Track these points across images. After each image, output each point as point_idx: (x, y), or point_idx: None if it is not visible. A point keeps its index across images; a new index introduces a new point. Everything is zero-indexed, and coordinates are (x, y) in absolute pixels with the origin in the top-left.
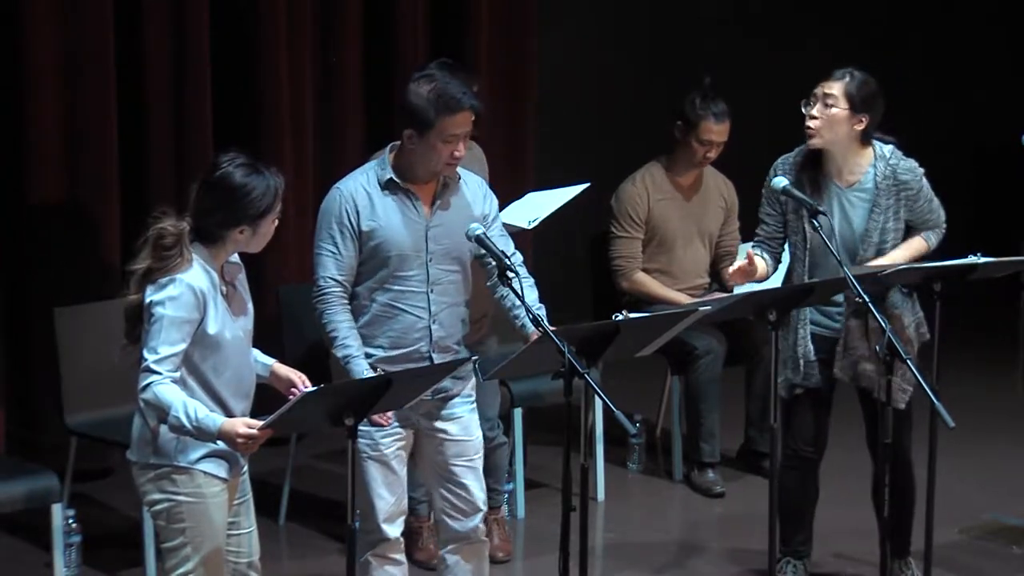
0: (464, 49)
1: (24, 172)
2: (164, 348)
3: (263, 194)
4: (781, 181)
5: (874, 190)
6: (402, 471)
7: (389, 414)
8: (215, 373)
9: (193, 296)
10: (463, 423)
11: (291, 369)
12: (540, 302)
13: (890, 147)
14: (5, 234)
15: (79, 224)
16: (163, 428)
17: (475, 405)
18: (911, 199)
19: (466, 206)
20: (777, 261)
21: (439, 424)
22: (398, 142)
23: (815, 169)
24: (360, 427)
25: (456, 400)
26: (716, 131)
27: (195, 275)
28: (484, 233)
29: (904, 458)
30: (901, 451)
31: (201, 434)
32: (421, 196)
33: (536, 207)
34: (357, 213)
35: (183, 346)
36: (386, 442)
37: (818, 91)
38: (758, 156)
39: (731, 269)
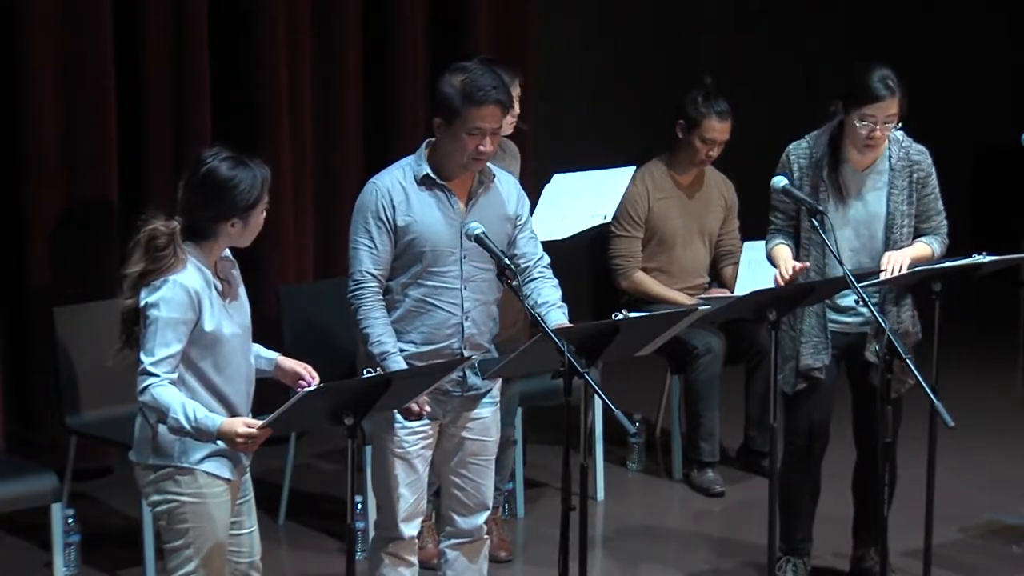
0: (464, 49)
1: (24, 172)
2: (160, 350)
3: (251, 186)
4: (780, 180)
5: (889, 171)
6: (424, 471)
7: (424, 401)
8: (216, 370)
9: (187, 296)
10: (485, 423)
11: (296, 362)
12: (562, 302)
13: (901, 132)
14: (5, 234)
15: (79, 224)
16: (163, 428)
17: (499, 405)
18: (921, 182)
19: (501, 204)
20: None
21: (462, 422)
22: (434, 138)
23: (833, 153)
24: (394, 423)
25: (484, 399)
26: (719, 129)
27: (188, 275)
28: (483, 232)
29: (890, 450)
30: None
31: (200, 435)
32: (457, 192)
33: (597, 197)
34: (393, 207)
35: (179, 347)
36: (412, 440)
37: (878, 114)
38: (758, 156)
39: (792, 270)
